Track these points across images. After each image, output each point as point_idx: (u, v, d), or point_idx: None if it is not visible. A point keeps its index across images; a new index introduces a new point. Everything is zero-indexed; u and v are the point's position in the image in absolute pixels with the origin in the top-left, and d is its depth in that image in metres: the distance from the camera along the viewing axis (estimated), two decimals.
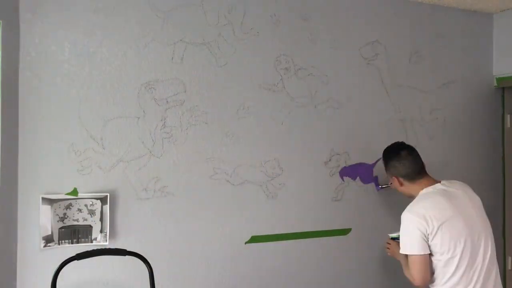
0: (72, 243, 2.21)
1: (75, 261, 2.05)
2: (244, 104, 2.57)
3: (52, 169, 2.18)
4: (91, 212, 2.24)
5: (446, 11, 3.18)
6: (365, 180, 2.90)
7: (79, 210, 2.22)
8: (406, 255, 2.22)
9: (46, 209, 2.15)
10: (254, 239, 2.59)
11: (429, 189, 2.27)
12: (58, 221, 2.18)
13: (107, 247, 2.25)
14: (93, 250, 2.08)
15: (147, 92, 2.36)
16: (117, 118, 2.30)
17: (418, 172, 2.32)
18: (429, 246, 2.14)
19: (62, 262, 2.03)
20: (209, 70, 2.50)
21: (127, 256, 2.14)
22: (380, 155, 2.93)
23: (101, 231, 2.26)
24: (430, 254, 2.16)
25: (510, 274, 3.37)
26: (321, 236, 2.77)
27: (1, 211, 2.07)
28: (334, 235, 2.80)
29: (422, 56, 3.09)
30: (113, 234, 2.29)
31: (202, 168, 2.47)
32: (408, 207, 2.25)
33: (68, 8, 2.22)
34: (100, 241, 2.25)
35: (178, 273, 2.43)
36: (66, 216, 2.20)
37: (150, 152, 2.36)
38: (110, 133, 2.29)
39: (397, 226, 3.00)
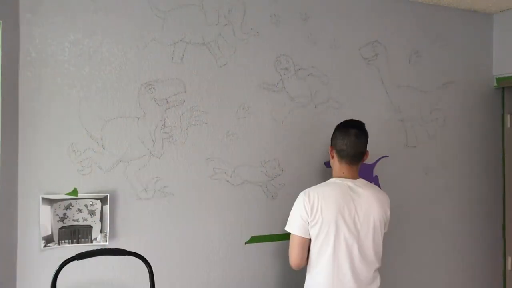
0: (72, 243, 2.21)
1: (75, 261, 2.05)
2: (244, 104, 2.57)
3: (52, 169, 2.18)
4: (91, 212, 2.24)
5: (446, 11, 3.18)
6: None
7: (79, 210, 2.22)
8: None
9: (46, 209, 2.15)
10: (254, 239, 2.59)
11: (338, 180, 2.26)
12: (58, 221, 2.18)
13: (107, 247, 2.25)
14: (93, 250, 2.08)
15: (147, 92, 2.36)
16: (117, 118, 2.30)
17: (351, 156, 2.26)
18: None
19: (62, 262, 2.02)
20: (209, 70, 2.50)
21: (127, 256, 2.14)
22: (380, 155, 2.95)
23: (101, 231, 2.26)
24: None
25: (510, 274, 3.37)
26: None
27: (1, 211, 2.07)
28: None
29: (422, 56, 3.09)
30: (113, 234, 2.29)
31: (202, 168, 2.47)
32: (310, 187, 2.26)
33: (68, 8, 2.22)
34: (100, 241, 2.25)
35: (178, 273, 2.43)
36: (66, 216, 2.20)
37: (150, 152, 2.36)
38: (110, 133, 2.29)
39: (397, 226, 3.01)
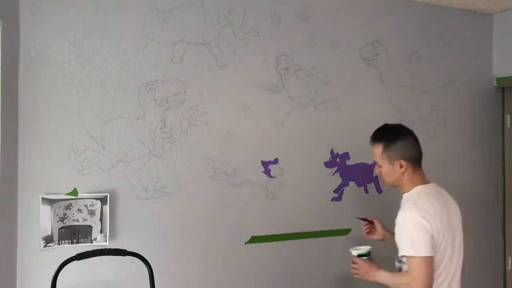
0: (72, 243, 2.21)
1: (75, 261, 2.05)
2: (244, 104, 2.57)
3: (52, 169, 2.18)
4: (91, 212, 2.24)
5: (446, 11, 3.18)
6: (365, 180, 2.90)
7: (79, 210, 2.22)
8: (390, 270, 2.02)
9: (46, 209, 2.15)
10: (254, 239, 2.59)
11: (428, 187, 2.04)
12: (58, 221, 2.18)
13: (107, 247, 2.24)
14: (93, 250, 2.08)
15: (147, 92, 2.36)
16: (117, 118, 2.30)
17: (421, 158, 2.08)
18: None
19: (62, 262, 2.02)
20: (209, 70, 2.49)
21: (127, 256, 2.14)
22: None
23: (101, 231, 2.26)
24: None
25: (510, 274, 3.37)
26: (321, 236, 2.77)
27: (1, 212, 2.07)
28: (334, 235, 2.80)
29: (422, 56, 3.09)
30: (113, 234, 2.29)
31: (202, 168, 2.47)
32: (409, 203, 1.97)
33: (68, 8, 2.22)
34: (100, 241, 2.25)
35: (177, 273, 2.43)
36: (66, 216, 2.19)
37: (150, 152, 2.36)
38: (110, 133, 2.29)
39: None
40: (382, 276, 2.02)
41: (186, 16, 2.44)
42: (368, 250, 2.12)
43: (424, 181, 2.05)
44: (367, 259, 2.10)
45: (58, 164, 2.19)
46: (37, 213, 2.14)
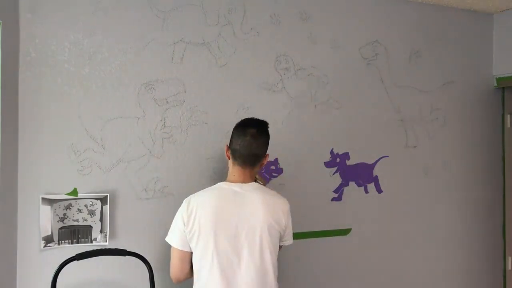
0: (72, 243, 2.21)
1: (75, 261, 2.05)
2: (244, 104, 2.57)
3: (52, 169, 2.18)
4: (91, 212, 2.24)
5: (446, 11, 3.18)
6: (365, 180, 2.90)
7: (79, 210, 2.22)
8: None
9: (46, 209, 2.15)
10: None
11: (225, 184, 2.03)
12: (58, 221, 2.18)
13: (107, 247, 2.24)
14: (93, 250, 2.08)
15: (147, 92, 2.36)
16: (117, 118, 2.30)
17: (244, 157, 2.02)
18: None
19: (62, 262, 2.03)
20: (209, 70, 2.50)
21: (127, 256, 2.14)
22: (380, 155, 2.95)
23: (101, 231, 2.26)
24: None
25: (510, 274, 3.37)
26: (321, 236, 2.77)
27: (1, 211, 2.07)
28: (334, 235, 2.80)
29: (422, 56, 3.09)
30: (113, 234, 2.29)
31: (202, 168, 2.47)
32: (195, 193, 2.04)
33: (68, 8, 2.22)
34: (100, 241, 2.25)
35: None
36: (66, 216, 2.20)
37: (150, 152, 2.36)
38: (110, 133, 2.29)
39: (397, 226, 3.01)
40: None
41: (186, 16, 2.44)
42: None
43: (235, 180, 2.04)
44: None
45: (58, 164, 2.19)
46: (37, 213, 2.14)
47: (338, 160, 2.81)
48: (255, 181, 2.12)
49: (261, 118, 2.60)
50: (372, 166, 2.92)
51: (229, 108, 2.54)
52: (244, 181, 2.04)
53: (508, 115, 3.37)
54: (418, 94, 3.08)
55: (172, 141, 2.41)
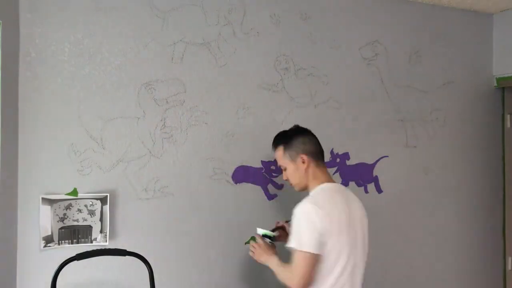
0: (72, 243, 2.21)
1: (75, 261, 2.05)
2: (244, 104, 2.57)
3: (52, 169, 2.18)
4: (91, 212, 2.24)
5: (446, 11, 3.18)
6: (365, 180, 2.90)
7: (79, 210, 2.22)
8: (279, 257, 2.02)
9: (46, 209, 2.15)
10: (254, 239, 2.58)
11: (333, 185, 2.04)
12: (58, 221, 2.18)
13: (107, 247, 2.24)
14: (93, 250, 2.07)
15: (147, 92, 2.36)
16: (117, 118, 2.30)
17: (323, 156, 2.10)
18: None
19: (62, 262, 2.02)
20: (209, 70, 2.49)
21: (127, 256, 2.14)
22: (381, 155, 2.94)
23: (101, 231, 2.26)
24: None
25: (510, 274, 3.37)
26: None
27: (1, 211, 2.07)
28: None
29: (422, 56, 3.09)
30: (113, 234, 2.29)
31: (202, 168, 2.47)
32: (309, 197, 2.00)
33: (68, 8, 2.22)
34: (100, 241, 2.25)
35: (178, 273, 2.43)
36: (66, 217, 2.20)
37: (150, 152, 2.36)
38: (110, 133, 2.29)
39: (396, 226, 3.01)
40: (273, 261, 2.04)
41: (186, 16, 2.44)
42: (274, 234, 2.18)
43: (329, 179, 2.07)
44: (269, 242, 2.16)
45: (58, 164, 2.19)
46: (37, 213, 2.14)
47: (338, 160, 2.81)
48: None
49: (261, 118, 2.62)
50: (372, 166, 2.92)
51: (229, 108, 2.54)
52: (333, 180, 2.08)
53: (508, 115, 3.37)
54: (418, 94, 3.08)
55: (172, 141, 2.41)
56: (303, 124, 2.70)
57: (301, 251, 1.88)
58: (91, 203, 2.24)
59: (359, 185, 2.88)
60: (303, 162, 2.05)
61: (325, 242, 1.88)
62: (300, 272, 1.88)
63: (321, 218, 1.88)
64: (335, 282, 1.92)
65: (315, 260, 1.88)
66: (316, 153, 2.08)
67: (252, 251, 2.16)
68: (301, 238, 1.89)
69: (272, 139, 2.62)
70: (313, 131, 2.72)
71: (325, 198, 1.96)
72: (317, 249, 1.88)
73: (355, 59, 2.88)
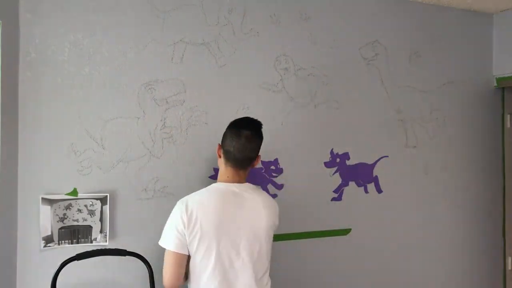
0: (72, 243, 2.21)
1: (75, 261, 2.05)
2: (244, 104, 2.57)
3: (52, 169, 2.18)
4: (91, 213, 2.24)
5: (446, 11, 3.18)
6: (365, 180, 2.90)
7: (79, 210, 2.22)
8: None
9: (46, 209, 2.15)
10: None
11: (221, 185, 2.00)
12: (58, 222, 2.18)
13: (107, 247, 2.25)
14: (93, 250, 2.08)
15: (147, 92, 2.36)
16: (117, 118, 2.30)
17: (238, 161, 2.00)
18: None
19: (62, 262, 2.03)
20: (209, 70, 2.50)
21: (127, 256, 2.14)
22: (381, 155, 2.95)
23: (101, 231, 2.26)
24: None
25: (510, 274, 3.37)
26: (321, 236, 2.77)
27: (1, 211, 2.07)
28: (334, 235, 2.81)
29: (422, 56, 3.09)
30: (113, 234, 2.29)
31: (202, 168, 2.47)
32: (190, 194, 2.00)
33: (68, 8, 2.22)
34: (100, 241, 2.25)
35: None
36: (66, 217, 2.20)
37: (150, 152, 2.36)
38: (110, 133, 2.29)
39: (397, 226, 3.01)
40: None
41: (186, 16, 2.44)
42: None
43: (231, 180, 2.01)
44: None
45: (58, 164, 2.19)
46: (37, 213, 2.14)
47: (338, 160, 2.82)
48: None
49: (261, 118, 2.61)
50: (372, 166, 2.92)
51: (229, 108, 2.54)
52: (239, 182, 2.03)
53: (508, 115, 3.37)
54: (418, 94, 3.08)
55: (172, 141, 2.41)
56: (303, 124, 2.71)
57: (167, 249, 1.95)
58: (91, 203, 2.24)
59: (359, 185, 2.88)
60: (219, 149, 2.08)
61: (188, 243, 1.91)
62: (167, 270, 1.93)
63: (188, 217, 1.90)
64: (207, 283, 1.91)
65: (179, 259, 1.92)
66: (230, 153, 2.00)
67: None
68: (165, 235, 1.97)
69: (272, 139, 2.64)
70: (313, 131, 2.75)
71: (200, 198, 1.96)
72: (179, 249, 1.92)
73: (355, 59, 2.88)
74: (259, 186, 2.65)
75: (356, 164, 2.87)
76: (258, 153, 2.08)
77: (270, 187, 2.64)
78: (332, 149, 2.80)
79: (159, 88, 2.38)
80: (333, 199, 2.81)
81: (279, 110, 2.66)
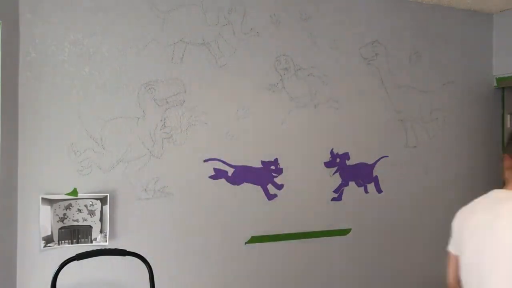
0: (72, 243, 2.21)
1: (75, 261, 2.05)
2: (244, 104, 2.57)
3: (52, 169, 2.18)
4: (91, 213, 2.24)
5: (446, 11, 3.18)
6: (365, 180, 2.90)
7: (79, 210, 2.22)
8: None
9: (46, 210, 2.15)
10: (254, 239, 2.59)
11: (497, 191, 1.92)
12: (58, 222, 2.18)
13: (107, 247, 2.24)
14: (93, 250, 2.07)
15: (147, 92, 2.36)
16: (117, 118, 2.30)
17: None
18: None
19: (62, 262, 2.02)
20: (209, 70, 2.49)
21: (127, 256, 2.14)
22: (380, 155, 2.94)
23: (101, 231, 2.26)
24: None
25: None
26: (321, 236, 2.77)
27: (1, 211, 2.07)
28: (334, 235, 2.80)
29: (422, 56, 3.09)
30: (113, 234, 2.29)
31: (202, 168, 2.47)
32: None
33: (68, 8, 2.22)
34: (100, 241, 2.25)
35: (177, 273, 2.43)
36: (66, 217, 2.19)
37: (150, 152, 2.36)
38: (110, 133, 2.28)
39: (397, 226, 3.01)
40: None
41: (186, 16, 2.44)
42: None
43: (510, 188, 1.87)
44: None
45: (58, 164, 2.19)
46: (37, 213, 2.14)
47: (338, 160, 2.81)
48: None
49: (261, 118, 2.61)
50: (372, 166, 2.91)
51: (229, 108, 2.54)
52: None
53: (508, 115, 3.37)
54: (418, 94, 3.08)
55: (172, 141, 2.41)
56: (303, 124, 2.71)
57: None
58: (91, 203, 2.24)
59: (359, 185, 2.88)
60: (506, 163, 1.92)
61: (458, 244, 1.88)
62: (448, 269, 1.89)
63: (457, 220, 1.91)
64: None
65: (451, 259, 1.89)
66: None
67: None
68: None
69: (272, 139, 2.64)
70: (313, 131, 2.74)
71: (472, 202, 1.89)
72: (452, 248, 1.92)
73: (355, 59, 2.88)
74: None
75: (356, 164, 2.87)
76: None
77: (270, 187, 2.64)
78: (332, 149, 2.80)
79: (159, 88, 2.38)
80: (333, 199, 2.81)
81: (279, 110, 2.66)
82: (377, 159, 2.92)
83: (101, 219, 2.25)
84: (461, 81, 3.24)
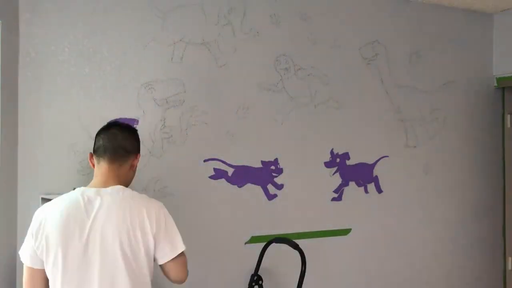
0: None
1: None
2: (244, 104, 2.57)
3: (52, 169, 2.18)
4: None
5: (446, 11, 3.18)
6: (365, 180, 2.90)
7: None
8: None
9: None
10: (254, 239, 2.59)
11: (79, 191, 1.71)
12: None
13: None
14: None
15: (147, 92, 2.36)
16: (117, 118, 2.30)
17: (111, 150, 1.75)
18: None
19: None
20: (209, 70, 2.49)
21: None
22: (380, 155, 2.95)
23: None
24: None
25: (510, 274, 3.37)
26: (321, 236, 2.77)
27: (1, 211, 2.07)
28: (334, 235, 2.80)
29: (422, 56, 3.09)
30: None
31: (202, 168, 2.47)
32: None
33: (68, 8, 2.22)
34: None
35: None
36: None
37: (150, 152, 2.36)
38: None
39: (397, 226, 3.01)
40: None
41: (186, 16, 2.44)
42: None
43: (97, 183, 1.75)
44: None
45: (58, 164, 2.19)
46: None
47: (338, 160, 2.81)
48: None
49: (261, 118, 2.62)
50: (372, 166, 2.92)
51: (229, 108, 2.54)
52: (105, 184, 1.73)
53: (508, 115, 3.37)
54: (418, 94, 3.08)
55: (172, 141, 2.41)
56: (303, 124, 2.71)
57: (24, 263, 1.71)
58: None
59: (359, 185, 2.88)
60: (90, 160, 1.84)
61: (39, 256, 1.67)
62: (23, 285, 1.73)
63: (32, 229, 1.68)
64: None
65: (32, 274, 1.70)
66: (100, 147, 1.77)
67: None
68: (22, 247, 1.71)
69: (272, 138, 2.64)
70: (313, 131, 2.74)
71: (51, 207, 1.70)
72: (32, 263, 1.69)
73: (355, 59, 2.88)
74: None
75: (356, 164, 2.87)
76: (135, 150, 1.85)
77: (270, 187, 2.64)
78: (332, 149, 2.80)
79: (159, 88, 2.38)
80: (333, 199, 2.81)
81: (279, 110, 2.66)
82: (377, 159, 2.93)
83: None
84: (461, 81, 3.24)
